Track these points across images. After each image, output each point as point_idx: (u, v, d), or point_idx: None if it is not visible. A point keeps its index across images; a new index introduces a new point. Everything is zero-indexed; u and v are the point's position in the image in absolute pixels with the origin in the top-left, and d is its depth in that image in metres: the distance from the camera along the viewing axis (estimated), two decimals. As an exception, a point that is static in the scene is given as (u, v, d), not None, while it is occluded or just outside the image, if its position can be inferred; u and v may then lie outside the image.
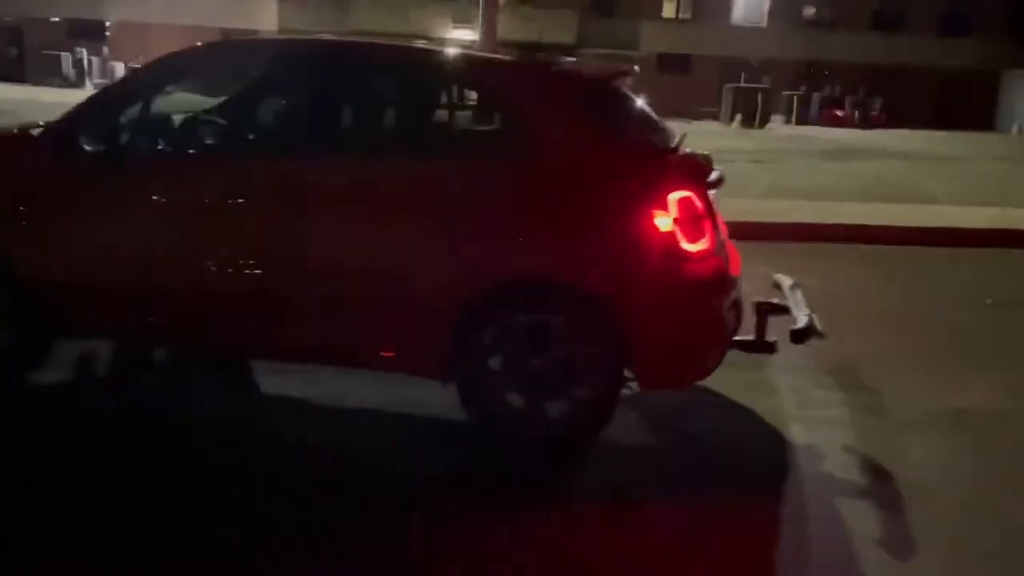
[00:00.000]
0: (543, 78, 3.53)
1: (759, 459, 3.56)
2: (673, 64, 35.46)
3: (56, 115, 3.76)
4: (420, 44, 3.73)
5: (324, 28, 32.94)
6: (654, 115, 3.77)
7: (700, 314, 3.33)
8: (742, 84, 32.18)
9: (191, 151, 3.68)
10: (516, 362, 3.38)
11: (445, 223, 3.35)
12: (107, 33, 34.75)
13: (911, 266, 7.68)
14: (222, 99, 3.96)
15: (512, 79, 3.52)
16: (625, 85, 3.72)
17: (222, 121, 3.84)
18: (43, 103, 18.30)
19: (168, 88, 3.64)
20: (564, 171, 3.32)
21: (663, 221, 3.23)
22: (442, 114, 3.96)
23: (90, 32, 34.46)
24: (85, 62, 33.54)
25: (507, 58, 3.65)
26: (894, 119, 34.82)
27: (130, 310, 3.64)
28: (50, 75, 32.39)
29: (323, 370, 3.93)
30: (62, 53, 33.52)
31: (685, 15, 37.14)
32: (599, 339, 3.31)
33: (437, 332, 3.39)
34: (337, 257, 3.45)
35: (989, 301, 6.29)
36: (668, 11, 37.30)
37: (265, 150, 3.55)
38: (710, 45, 36.26)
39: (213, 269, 3.50)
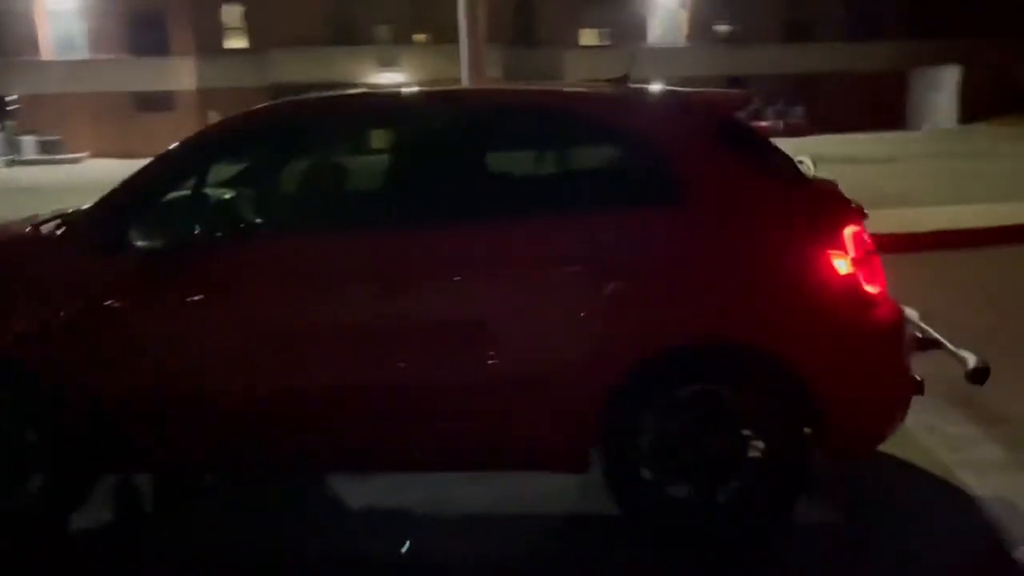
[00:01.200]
0: (682, 109, 3.05)
1: (965, 525, 3.12)
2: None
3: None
4: (516, 84, 3.16)
5: (246, 84, 32.08)
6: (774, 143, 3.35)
7: (892, 365, 2.89)
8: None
9: (267, 233, 3.06)
10: (680, 443, 2.89)
11: (583, 289, 2.85)
12: (12, 107, 33.03)
13: (936, 271, 7.45)
14: (297, 169, 3.36)
15: (647, 113, 3.04)
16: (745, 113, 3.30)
17: (304, 194, 3.25)
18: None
19: (226, 162, 3.04)
20: (722, 214, 2.86)
21: (842, 262, 2.79)
22: (561, 162, 3.44)
23: (-7, 108, 32.72)
24: (-11, 138, 31.77)
25: (629, 90, 3.16)
26: (814, 126, 35.69)
27: (210, 431, 3.01)
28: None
29: (396, 473, 3.36)
30: (-36, 132, 31.68)
31: (604, 42, 37.54)
32: (781, 406, 2.84)
33: (580, 418, 2.89)
34: (454, 340, 2.90)
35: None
36: (587, 39, 37.63)
37: (371, 223, 2.97)
38: (629, 68, 36.63)
39: (316, 370, 2.92)
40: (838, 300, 2.79)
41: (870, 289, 2.83)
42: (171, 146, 3.05)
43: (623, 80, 3.42)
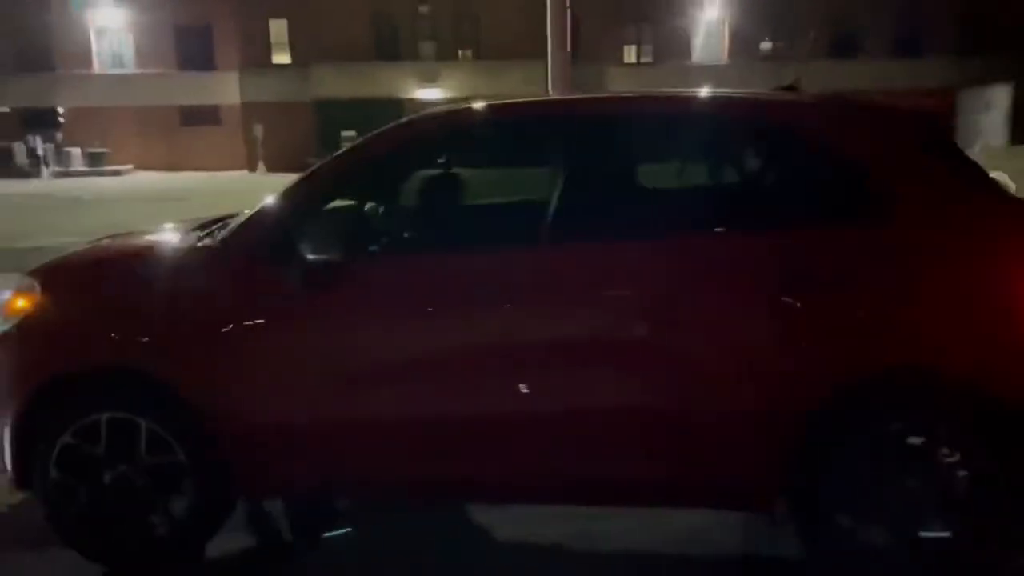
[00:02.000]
0: (887, 120, 2.82)
1: None
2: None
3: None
4: (700, 91, 2.92)
5: (289, 98, 32.31)
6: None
7: None
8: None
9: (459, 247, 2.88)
10: (881, 483, 2.63)
11: (776, 312, 2.61)
12: (61, 120, 33.54)
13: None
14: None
15: (852, 123, 2.79)
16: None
17: (497, 203, 3.04)
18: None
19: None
20: (935, 232, 2.60)
21: (1073, 284, 2.52)
22: (753, 173, 3.20)
23: (43, 120, 33.15)
24: (39, 151, 32.24)
25: (829, 99, 2.92)
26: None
27: (374, 456, 2.81)
28: (3, 166, 31.02)
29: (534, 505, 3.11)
30: (14, 143, 32.15)
31: (645, 59, 37.37)
32: (1003, 443, 2.56)
33: (770, 451, 2.64)
34: (642, 364, 2.67)
35: None
36: (628, 56, 37.47)
37: (564, 236, 2.72)
38: (672, 85, 36.47)
39: (492, 393, 2.71)
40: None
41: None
42: (342, 150, 2.86)
43: (794, 89, 3.19)
